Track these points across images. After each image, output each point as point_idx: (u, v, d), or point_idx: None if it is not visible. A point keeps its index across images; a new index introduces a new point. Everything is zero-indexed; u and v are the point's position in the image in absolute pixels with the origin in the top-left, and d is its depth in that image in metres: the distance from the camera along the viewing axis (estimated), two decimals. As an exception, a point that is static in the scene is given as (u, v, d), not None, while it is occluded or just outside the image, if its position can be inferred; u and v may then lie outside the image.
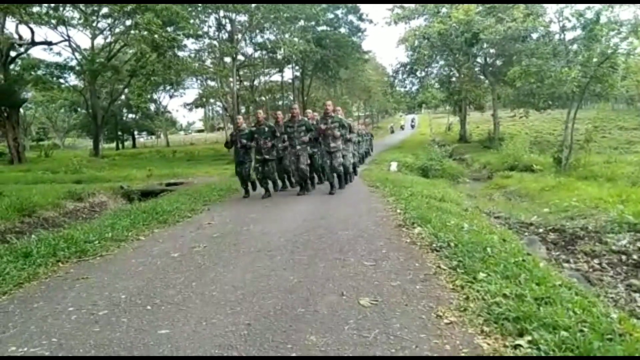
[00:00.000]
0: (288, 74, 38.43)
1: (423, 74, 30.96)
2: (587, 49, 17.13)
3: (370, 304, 2.89)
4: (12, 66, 20.58)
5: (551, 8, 20.76)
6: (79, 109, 38.84)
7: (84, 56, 23.22)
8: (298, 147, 8.43)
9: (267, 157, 8.46)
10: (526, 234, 7.22)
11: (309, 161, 8.65)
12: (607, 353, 2.11)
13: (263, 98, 38.03)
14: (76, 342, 2.50)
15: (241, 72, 32.30)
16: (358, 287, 3.21)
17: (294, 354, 2.29)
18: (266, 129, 8.38)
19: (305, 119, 8.63)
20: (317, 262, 3.89)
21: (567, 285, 3.22)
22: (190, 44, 25.72)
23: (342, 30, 32.06)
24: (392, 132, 46.70)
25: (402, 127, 51.58)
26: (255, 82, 38.04)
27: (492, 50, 26.84)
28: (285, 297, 3.05)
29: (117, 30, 23.16)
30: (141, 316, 2.82)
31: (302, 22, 28.10)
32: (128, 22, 20.14)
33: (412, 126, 50.63)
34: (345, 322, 2.63)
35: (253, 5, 21.73)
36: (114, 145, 47.00)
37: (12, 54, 19.99)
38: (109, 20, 22.83)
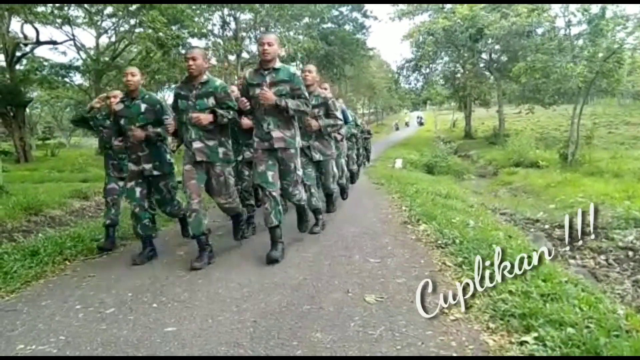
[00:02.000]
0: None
1: (428, 70, 30.88)
2: (593, 44, 17.05)
3: (376, 301, 2.89)
4: (17, 66, 20.67)
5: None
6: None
7: (88, 55, 23.29)
8: (197, 146, 3.90)
9: (146, 168, 4.17)
10: (532, 230, 7.21)
11: (232, 178, 4.17)
12: (613, 349, 2.11)
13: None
14: (83, 339, 2.52)
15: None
16: (363, 284, 3.22)
17: (299, 351, 2.29)
18: (142, 107, 4.15)
19: (218, 81, 4.00)
20: (322, 260, 3.90)
21: (573, 281, 3.21)
22: (195, 41, 25.73)
23: (347, 27, 32.01)
24: (397, 129, 46.59)
25: (407, 124, 51.45)
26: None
27: (497, 46, 26.72)
28: (291, 295, 3.06)
29: (122, 29, 23.21)
30: (148, 314, 2.83)
31: (306, 20, 28.06)
32: (132, 21, 20.17)
33: (421, 123, 50.24)
34: (351, 319, 2.63)
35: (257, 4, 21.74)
36: (119, 143, 47.05)
37: (18, 53, 20.06)
38: (114, 20, 22.88)
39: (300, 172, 4.17)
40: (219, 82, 3.97)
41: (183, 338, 2.48)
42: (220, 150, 3.99)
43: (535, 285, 2.90)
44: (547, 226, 7.41)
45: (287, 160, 4.02)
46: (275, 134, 3.95)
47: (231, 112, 3.93)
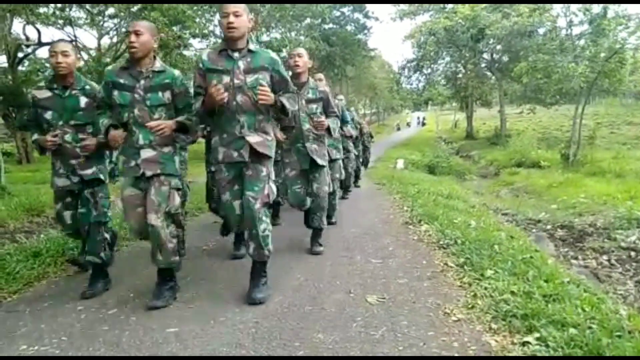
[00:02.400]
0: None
1: (429, 70, 30.90)
2: (595, 44, 17.04)
3: (378, 302, 2.89)
4: (19, 67, 20.73)
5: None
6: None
7: (90, 56, 23.34)
8: (147, 155, 2.92)
9: (84, 178, 3.28)
10: (534, 230, 7.20)
11: (178, 197, 3.03)
12: (616, 350, 2.10)
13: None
14: (86, 340, 2.52)
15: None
16: (365, 285, 3.22)
17: (301, 352, 2.29)
18: (82, 101, 3.21)
19: (176, 71, 3.08)
20: (324, 260, 3.90)
21: (575, 282, 3.21)
22: (196, 43, 25.77)
23: (349, 28, 31.99)
24: (399, 129, 46.66)
25: (408, 124, 51.57)
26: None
27: (498, 47, 26.72)
28: (293, 295, 3.06)
29: (124, 30, 23.27)
30: (149, 315, 2.83)
31: (308, 20, 28.06)
32: (134, 22, 20.25)
33: (423, 124, 50.20)
34: (353, 320, 2.63)
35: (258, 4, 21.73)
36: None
37: (20, 55, 20.11)
38: (116, 20, 22.94)
39: (273, 187, 3.00)
40: (177, 72, 3.04)
41: (185, 339, 2.48)
42: (177, 159, 3.04)
43: (538, 285, 2.91)
44: (549, 226, 7.41)
45: (258, 164, 2.95)
46: (252, 138, 2.91)
47: (193, 116, 2.99)
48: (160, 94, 2.92)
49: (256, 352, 2.30)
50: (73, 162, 3.24)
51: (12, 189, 8.35)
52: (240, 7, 2.83)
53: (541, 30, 23.09)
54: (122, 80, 2.92)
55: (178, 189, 3.01)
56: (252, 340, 2.42)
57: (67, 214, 3.38)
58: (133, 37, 2.84)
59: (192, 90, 3.02)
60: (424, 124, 50.01)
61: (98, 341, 2.50)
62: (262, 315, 2.74)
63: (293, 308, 2.84)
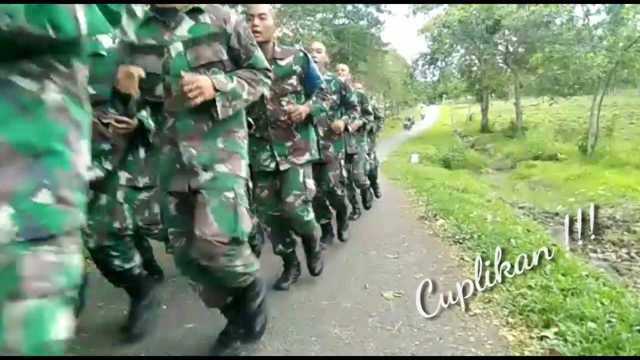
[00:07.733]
0: (306, 67, 38.35)
1: (443, 63, 30.66)
2: (613, 33, 16.74)
3: (394, 297, 2.89)
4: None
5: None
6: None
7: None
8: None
9: None
10: (551, 224, 7.12)
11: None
12: (635, 344, 2.08)
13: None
14: (109, 337, 2.55)
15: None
16: (381, 280, 3.22)
17: (318, 347, 2.30)
18: None
19: None
20: (339, 256, 3.91)
21: (594, 275, 3.18)
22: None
23: (362, 22, 31.83)
24: (413, 123, 46.22)
25: (422, 117, 51.22)
26: (274, 77, 37.95)
27: (514, 38, 26.38)
28: (308, 291, 3.07)
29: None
30: (167, 312, 2.86)
31: (320, 15, 27.98)
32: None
33: (412, 124, 47.44)
34: (369, 315, 2.64)
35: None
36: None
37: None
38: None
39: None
40: None
41: (203, 334, 2.50)
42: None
43: (555, 279, 2.88)
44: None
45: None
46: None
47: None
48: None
49: (272, 348, 2.32)
50: None
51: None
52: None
53: (558, 21, 22.74)
54: None
55: None
56: (269, 336, 2.43)
57: None
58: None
59: None
60: (412, 124, 45.64)
61: (118, 337, 2.53)
62: (278, 311, 2.75)
63: (309, 303, 2.85)
